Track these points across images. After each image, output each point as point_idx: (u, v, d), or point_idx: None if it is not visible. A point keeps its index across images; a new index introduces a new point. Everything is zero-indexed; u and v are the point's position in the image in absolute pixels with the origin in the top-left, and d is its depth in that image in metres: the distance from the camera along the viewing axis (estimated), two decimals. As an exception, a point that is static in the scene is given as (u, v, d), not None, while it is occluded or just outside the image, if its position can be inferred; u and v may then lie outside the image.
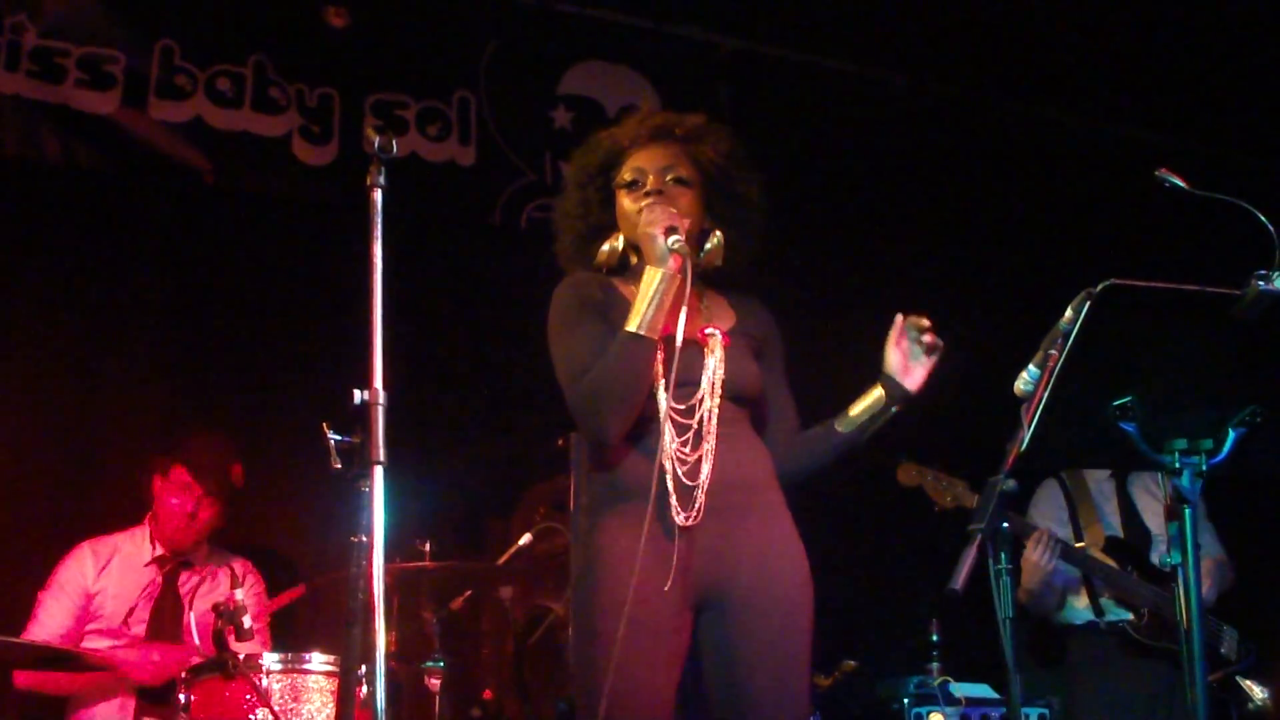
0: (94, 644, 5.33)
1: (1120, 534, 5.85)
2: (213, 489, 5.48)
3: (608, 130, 4.01)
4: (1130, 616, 5.70)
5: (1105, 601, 5.79)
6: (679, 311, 3.51)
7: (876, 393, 3.86)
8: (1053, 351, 3.45)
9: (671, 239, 3.55)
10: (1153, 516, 5.90)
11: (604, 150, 3.96)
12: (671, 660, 3.57)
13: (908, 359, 3.87)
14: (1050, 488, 6.08)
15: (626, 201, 3.83)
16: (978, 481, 5.46)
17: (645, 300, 3.53)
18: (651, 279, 3.53)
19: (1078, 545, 5.79)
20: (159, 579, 5.48)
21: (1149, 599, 5.61)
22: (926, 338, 3.86)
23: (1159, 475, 5.96)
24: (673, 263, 3.54)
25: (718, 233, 3.87)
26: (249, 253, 6.29)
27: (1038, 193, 7.51)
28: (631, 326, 3.53)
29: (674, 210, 3.65)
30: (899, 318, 3.89)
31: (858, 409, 3.86)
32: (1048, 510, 6.02)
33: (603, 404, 3.58)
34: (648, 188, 3.79)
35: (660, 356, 3.64)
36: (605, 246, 3.88)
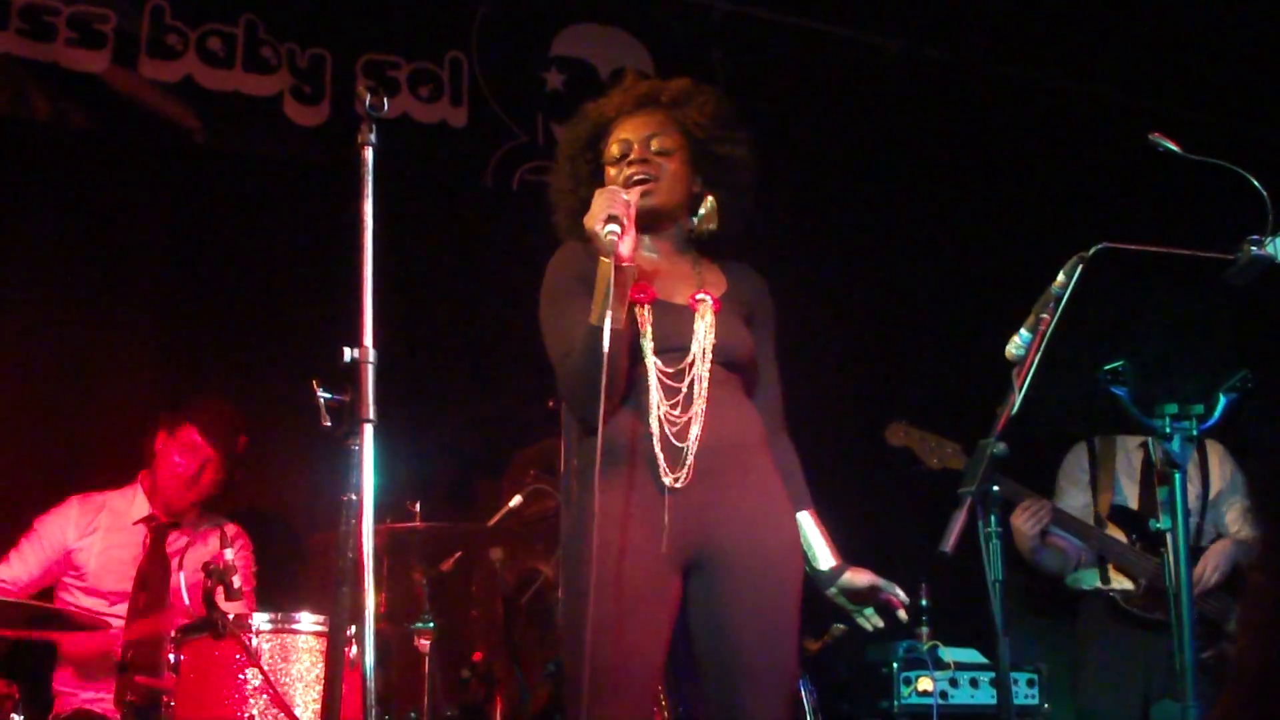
0: (80, 602, 5.34)
1: (1129, 503, 5.85)
2: (219, 453, 5.49)
3: (595, 102, 4.01)
4: (1131, 586, 5.71)
5: (1112, 571, 5.80)
6: (624, 299, 3.52)
7: (818, 559, 3.83)
8: (1044, 315, 3.45)
9: (607, 229, 3.50)
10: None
11: (591, 122, 3.97)
12: (660, 622, 3.58)
13: (860, 595, 3.84)
14: (1078, 452, 6.12)
15: (612, 173, 3.84)
16: (971, 446, 5.49)
17: (599, 292, 3.52)
18: (603, 272, 3.51)
19: (1095, 510, 5.81)
20: (146, 538, 5.47)
21: (1148, 570, 5.61)
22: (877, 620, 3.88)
23: (1194, 448, 6.01)
24: (617, 253, 3.49)
25: (709, 198, 3.87)
26: (240, 212, 6.26)
27: (1030, 157, 7.51)
28: (593, 319, 3.53)
29: (620, 195, 3.60)
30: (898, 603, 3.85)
31: (807, 537, 3.83)
32: (1071, 474, 6.08)
33: (579, 393, 3.61)
34: (631, 157, 3.80)
35: (649, 321, 3.66)
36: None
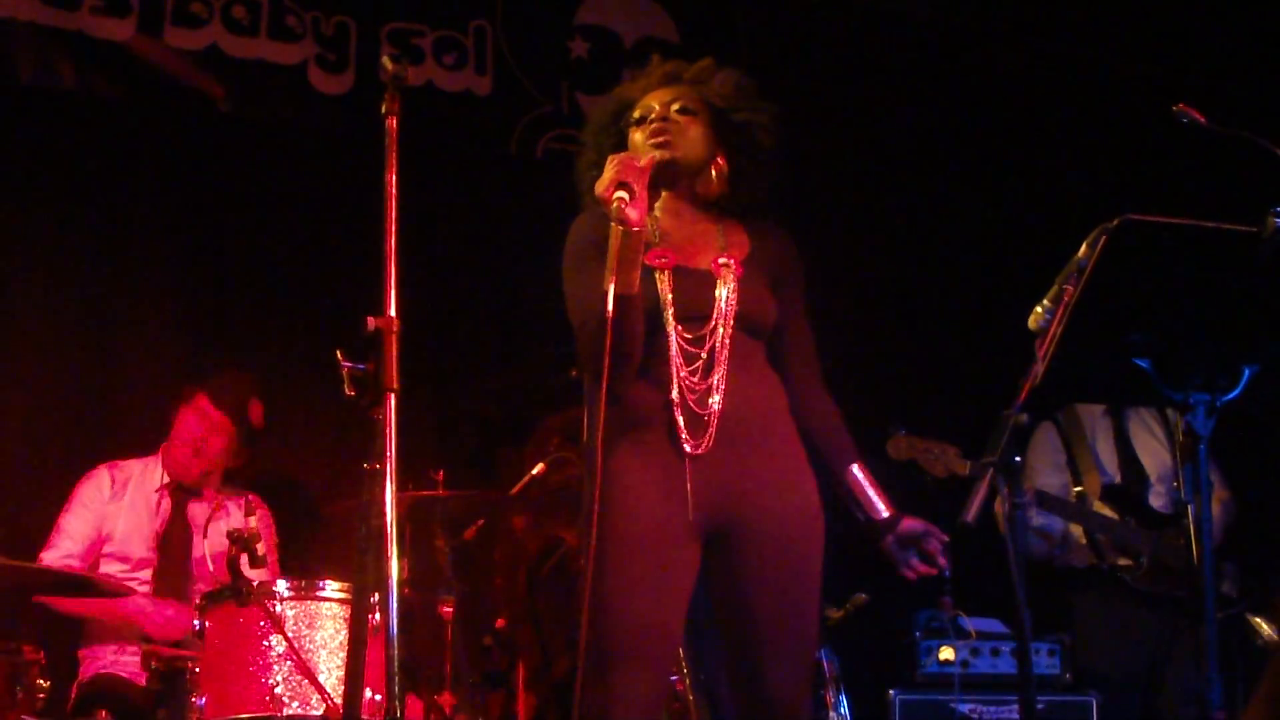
0: (107, 567, 5.38)
1: (1117, 479, 5.80)
2: (226, 420, 5.51)
3: (621, 85, 4.04)
4: (1130, 563, 5.67)
5: (1106, 547, 5.75)
6: (636, 264, 3.50)
7: (874, 509, 3.81)
8: (1068, 286, 3.44)
9: (615, 195, 3.47)
10: (1149, 456, 5.83)
11: (616, 101, 3.97)
12: (680, 589, 3.58)
13: (909, 552, 3.81)
14: (1046, 432, 6.01)
15: (636, 136, 3.83)
16: (968, 448, 5.46)
17: (612, 258, 3.50)
18: (613, 240, 3.51)
19: (1076, 490, 5.78)
20: (169, 507, 5.51)
21: (1147, 546, 5.57)
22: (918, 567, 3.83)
23: (1157, 411, 5.96)
24: (626, 217, 3.48)
25: (718, 160, 3.86)
26: (264, 181, 6.28)
27: (1055, 127, 7.46)
28: (606, 286, 3.52)
29: (633, 162, 3.58)
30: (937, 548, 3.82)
31: (859, 488, 3.83)
32: (1044, 455, 5.97)
33: (591, 359, 3.59)
34: (652, 118, 3.80)
35: (670, 287, 3.66)
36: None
